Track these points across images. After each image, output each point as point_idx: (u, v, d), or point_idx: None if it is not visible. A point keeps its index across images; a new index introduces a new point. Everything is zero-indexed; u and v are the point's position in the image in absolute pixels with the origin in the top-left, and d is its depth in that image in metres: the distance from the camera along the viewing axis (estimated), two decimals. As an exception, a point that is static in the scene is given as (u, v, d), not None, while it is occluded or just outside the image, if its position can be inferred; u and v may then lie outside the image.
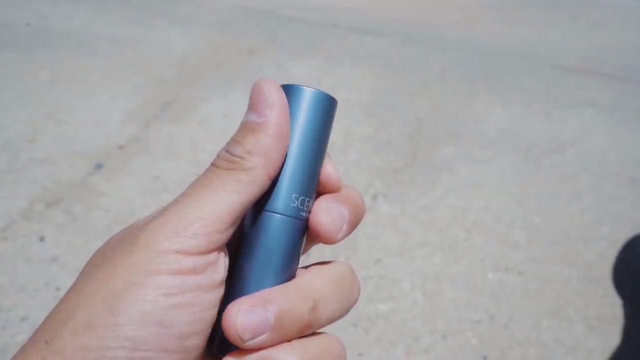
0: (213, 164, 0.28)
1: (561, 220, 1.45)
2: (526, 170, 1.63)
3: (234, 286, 0.29)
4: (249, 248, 0.29)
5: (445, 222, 1.41)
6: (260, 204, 0.29)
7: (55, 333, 0.24)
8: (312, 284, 0.28)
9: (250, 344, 0.26)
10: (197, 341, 0.26)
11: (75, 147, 1.58)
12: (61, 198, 1.39)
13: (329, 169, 0.30)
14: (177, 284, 0.25)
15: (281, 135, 0.28)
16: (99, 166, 1.51)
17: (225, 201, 0.26)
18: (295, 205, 0.29)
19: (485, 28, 2.72)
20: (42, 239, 1.27)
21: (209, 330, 0.27)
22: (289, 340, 0.27)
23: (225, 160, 0.27)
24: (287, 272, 0.29)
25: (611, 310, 1.21)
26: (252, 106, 0.28)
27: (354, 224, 0.30)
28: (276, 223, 0.28)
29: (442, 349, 1.10)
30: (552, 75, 2.23)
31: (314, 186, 0.30)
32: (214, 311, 0.27)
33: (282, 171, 0.29)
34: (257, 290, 0.28)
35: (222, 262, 0.27)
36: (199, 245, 0.26)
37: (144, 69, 2.04)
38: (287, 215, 0.29)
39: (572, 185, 1.58)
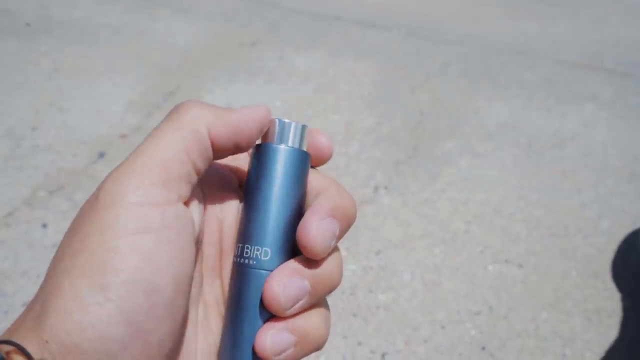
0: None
1: (561, 213, 1.45)
2: (527, 164, 1.64)
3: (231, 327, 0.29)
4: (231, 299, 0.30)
5: (446, 215, 1.41)
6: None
7: (47, 313, 0.24)
8: None
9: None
10: (183, 302, 0.26)
11: (78, 135, 1.58)
12: (64, 185, 1.39)
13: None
14: (151, 244, 0.25)
15: None
16: (101, 154, 1.52)
17: (170, 148, 0.28)
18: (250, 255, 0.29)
19: (487, 23, 2.71)
20: (44, 225, 1.28)
21: (189, 289, 0.27)
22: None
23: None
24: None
25: (610, 303, 1.22)
26: None
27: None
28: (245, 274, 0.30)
29: (441, 340, 1.11)
30: (553, 70, 2.23)
31: (269, 236, 0.30)
32: (191, 269, 0.27)
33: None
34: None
35: (189, 216, 0.27)
36: (160, 194, 0.26)
37: (147, 59, 2.04)
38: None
39: (572, 179, 1.59)
